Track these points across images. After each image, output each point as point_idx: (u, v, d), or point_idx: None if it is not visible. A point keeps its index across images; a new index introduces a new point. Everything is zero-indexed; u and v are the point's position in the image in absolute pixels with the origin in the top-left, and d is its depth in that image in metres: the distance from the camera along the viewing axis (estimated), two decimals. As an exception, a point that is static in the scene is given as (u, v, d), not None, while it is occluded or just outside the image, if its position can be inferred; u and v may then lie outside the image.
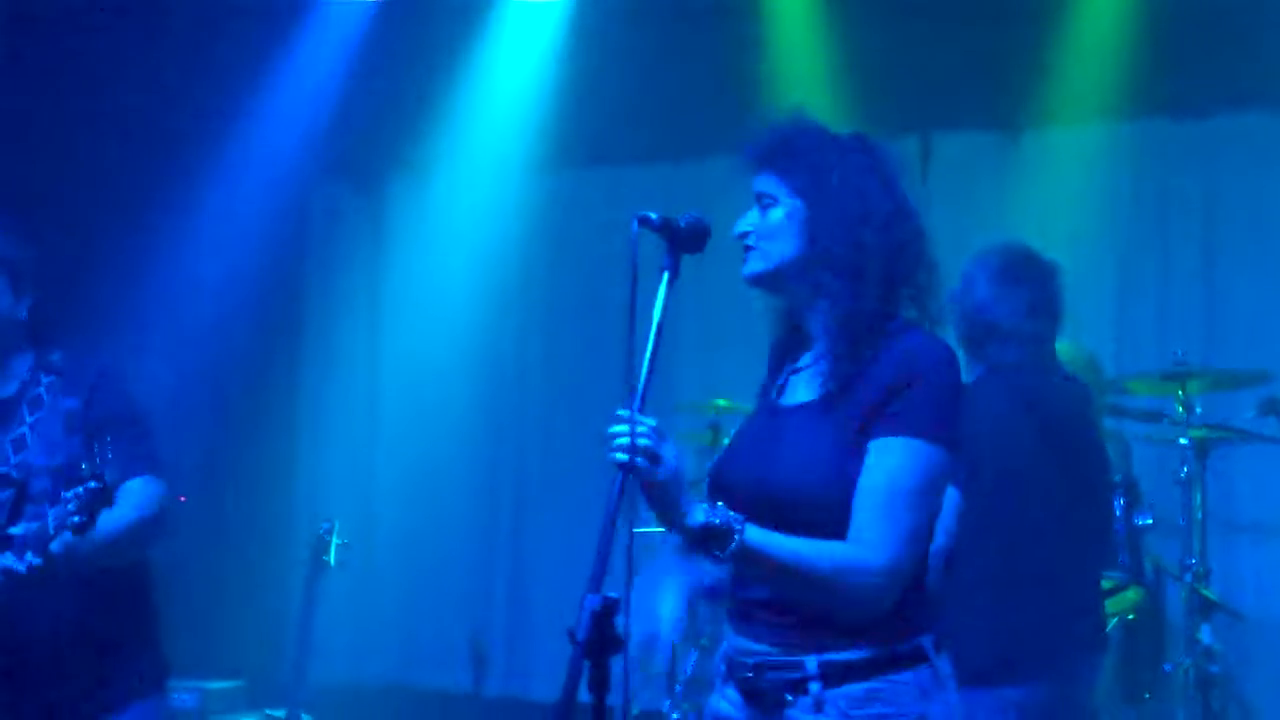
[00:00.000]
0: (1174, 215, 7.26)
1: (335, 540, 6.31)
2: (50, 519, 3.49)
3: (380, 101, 8.02)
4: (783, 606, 2.78)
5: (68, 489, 3.48)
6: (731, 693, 2.89)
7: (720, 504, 2.68)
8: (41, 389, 3.84)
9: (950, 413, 2.78)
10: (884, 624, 2.75)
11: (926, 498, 2.75)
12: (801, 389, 2.93)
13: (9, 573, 3.49)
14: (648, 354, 2.66)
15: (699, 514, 2.66)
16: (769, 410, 2.99)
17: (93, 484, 3.47)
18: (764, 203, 2.90)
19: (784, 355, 3.03)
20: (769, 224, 2.89)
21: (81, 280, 7.41)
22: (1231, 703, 5.77)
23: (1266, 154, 7.06)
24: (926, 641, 2.78)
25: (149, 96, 7.52)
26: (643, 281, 2.66)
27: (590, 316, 7.65)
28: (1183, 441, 5.78)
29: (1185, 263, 7.21)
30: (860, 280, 2.83)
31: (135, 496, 3.70)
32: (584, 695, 2.50)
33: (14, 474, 3.76)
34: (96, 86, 7.46)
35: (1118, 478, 5.60)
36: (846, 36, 7.40)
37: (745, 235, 2.91)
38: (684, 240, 2.79)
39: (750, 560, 2.69)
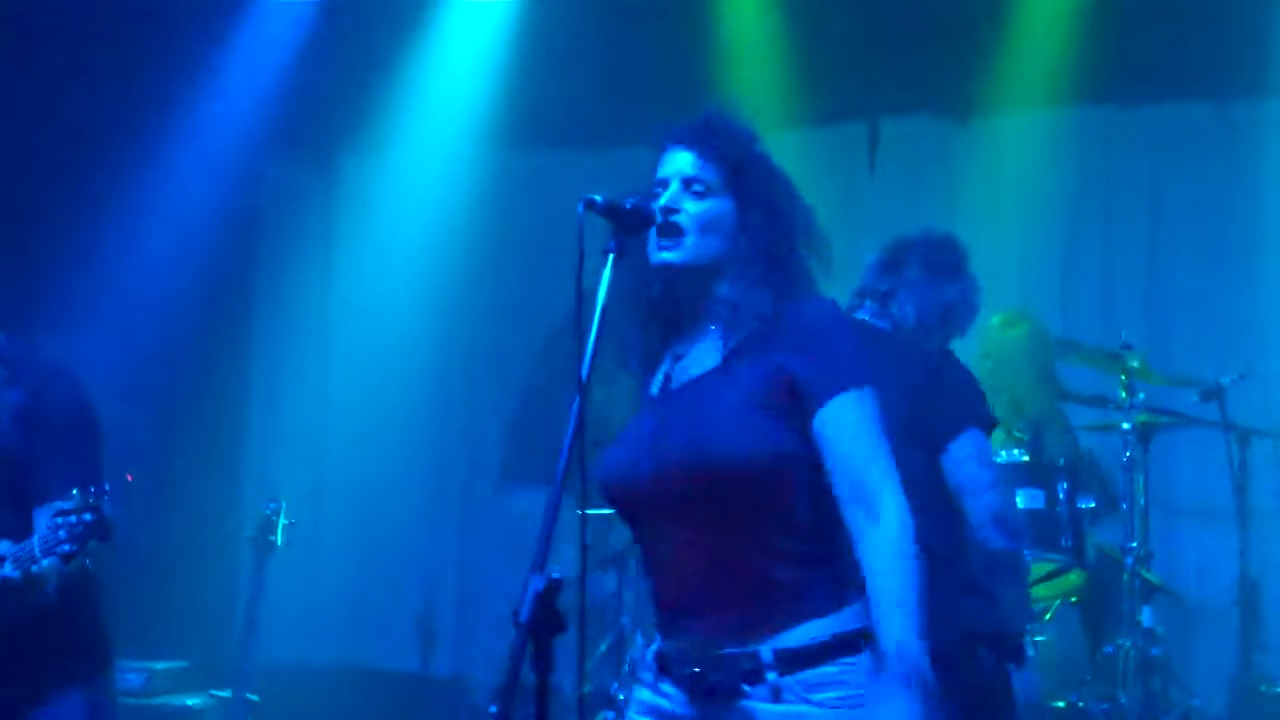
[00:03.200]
0: (1119, 202, 7.34)
1: (282, 520, 6.30)
2: (36, 543, 3.47)
3: (333, 77, 7.97)
4: (726, 601, 2.78)
5: (60, 515, 3.46)
6: (670, 688, 2.88)
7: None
8: None
9: (862, 353, 2.85)
10: (825, 599, 2.78)
11: (884, 439, 2.79)
12: (695, 366, 2.94)
13: None
14: (592, 335, 2.67)
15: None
16: (660, 400, 2.96)
17: (88, 516, 3.45)
18: (694, 189, 2.90)
19: (657, 353, 3.02)
20: (705, 216, 2.89)
21: (31, 257, 7.37)
22: (1172, 685, 5.83)
23: (1209, 142, 7.16)
24: (866, 620, 2.75)
25: (100, 71, 7.46)
26: (590, 262, 2.70)
27: (540, 296, 7.65)
28: (1125, 426, 5.84)
29: (1130, 248, 7.30)
30: (774, 270, 2.90)
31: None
32: (528, 675, 2.51)
33: None
34: (46, 62, 7.40)
35: (1060, 461, 5.66)
36: (795, 22, 7.43)
37: (674, 212, 2.87)
38: (629, 223, 2.81)
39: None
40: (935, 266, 4.17)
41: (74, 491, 3.46)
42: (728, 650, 2.77)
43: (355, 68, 7.91)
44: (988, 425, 4.10)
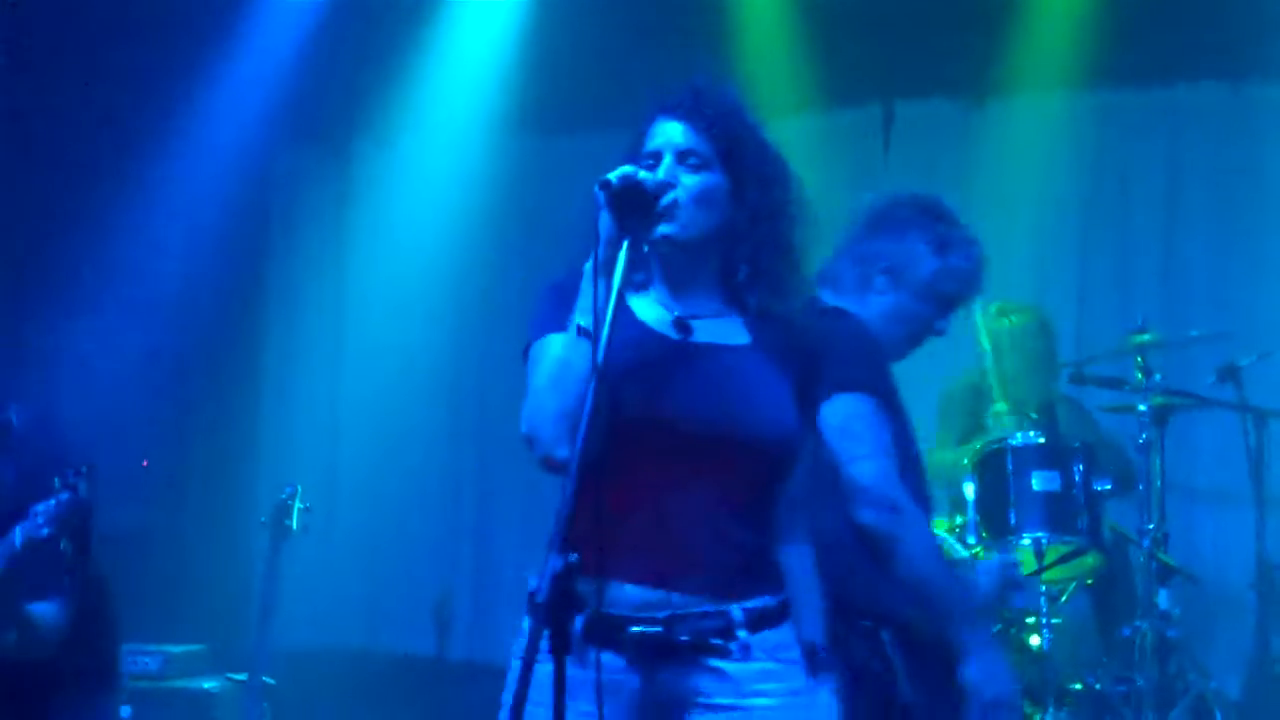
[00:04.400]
0: (1135, 184, 7.31)
1: (298, 505, 6.32)
2: (17, 532, 3.45)
3: (345, 67, 7.96)
4: (709, 563, 2.80)
5: (37, 503, 3.44)
6: (606, 657, 2.77)
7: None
8: None
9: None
10: (776, 573, 2.91)
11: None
12: (719, 331, 2.93)
13: None
14: (608, 318, 2.66)
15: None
16: (678, 349, 2.90)
17: (64, 495, 3.43)
18: (690, 161, 2.89)
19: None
20: (700, 189, 2.88)
21: (45, 248, 7.39)
22: (1189, 667, 5.81)
23: (1227, 124, 7.13)
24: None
25: (111, 61, 7.46)
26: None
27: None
28: (1141, 408, 5.82)
29: (1146, 231, 7.28)
30: (775, 241, 2.93)
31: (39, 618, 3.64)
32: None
33: None
34: (58, 55, 7.41)
35: (1076, 443, 5.64)
36: (810, 3, 7.40)
37: (670, 187, 2.85)
38: (645, 205, 2.80)
39: None
40: (873, 222, 4.08)
41: (54, 481, 3.45)
42: (698, 608, 2.80)
43: (367, 57, 7.89)
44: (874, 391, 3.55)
